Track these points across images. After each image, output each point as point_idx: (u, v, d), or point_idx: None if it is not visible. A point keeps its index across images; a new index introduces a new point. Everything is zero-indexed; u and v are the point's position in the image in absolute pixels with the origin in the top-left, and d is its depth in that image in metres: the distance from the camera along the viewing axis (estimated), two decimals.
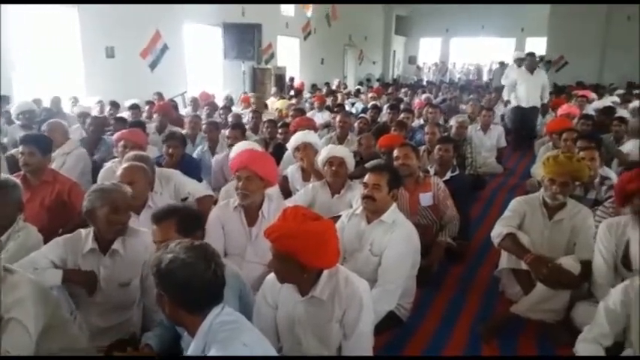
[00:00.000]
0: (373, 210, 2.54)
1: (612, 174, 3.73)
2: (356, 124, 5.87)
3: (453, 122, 5.42)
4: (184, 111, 7.53)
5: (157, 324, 2.01)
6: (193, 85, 9.55)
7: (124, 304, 2.23)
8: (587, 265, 2.50)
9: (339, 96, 9.86)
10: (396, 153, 3.45)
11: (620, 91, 12.09)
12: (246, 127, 6.13)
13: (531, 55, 7.82)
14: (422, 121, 6.62)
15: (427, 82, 17.57)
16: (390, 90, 12.00)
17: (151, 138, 4.86)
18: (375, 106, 7.30)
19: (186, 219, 1.93)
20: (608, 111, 6.73)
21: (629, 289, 1.92)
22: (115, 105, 6.73)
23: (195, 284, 1.40)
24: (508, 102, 7.93)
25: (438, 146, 4.07)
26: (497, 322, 2.64)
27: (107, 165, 3.73)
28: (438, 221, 3.37)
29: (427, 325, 2.68)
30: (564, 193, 2.71)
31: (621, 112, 7.97)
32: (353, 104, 9.48)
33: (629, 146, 5.01)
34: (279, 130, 4.89)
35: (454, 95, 10.55)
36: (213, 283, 1.43)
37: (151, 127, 5.40)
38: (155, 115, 5.80)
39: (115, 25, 8.00)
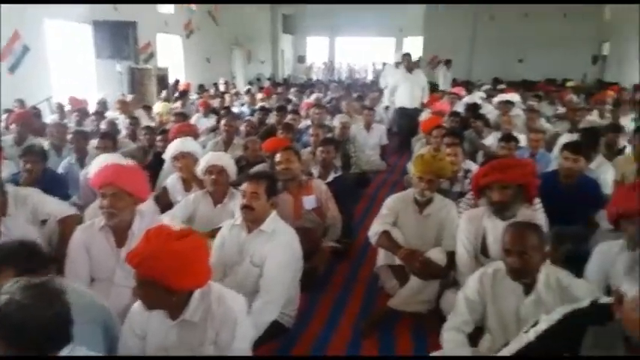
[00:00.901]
0: (252, 219, 2.50)
1: (474, 167, 4.11)
2: (242, 127, 5.79)
3: (336, 122, 5.58)
4: (50, 118, 6.82)
5: None
6: (61, 88, 8.67)
7: None
8: (452, 256, 2.71)
9: (227, 97, 9.64)
10: (277, 157, 3.46)
11: (487, 87, 13.44)
12: (123, 133, 5.75)
13: (407, 55, 7.89)
14: (309, 122, 6.74)
15: (316, 81, 17.94)
16: (280, 90, 12.04)
17: (8, 152, 4.31)
18: (262, 108, 7.26)
19: (26, 261, 1.66)
20: (474, 107, 7.40)
21: (484, 277, 2.11)
22: None
23: (33, 327, 1.25)
24: (387, 107, 8.14)
25: (320, 148, 4.16)
26: (376, 317, 2.76)
27: None
28: (322, 223, 3.44)
29: (311, 328, 2.73)
30: (431, 189, 2.91)
31: (487, 107, 8.86)
32: (243, 105, 9.35)
33: (490, 139, 5.56)
34: (158, 138, 4.63)
35: (339, 95, 10.87)
36: (55, 323, 1.29)
37: (8, 139, 4.79)
38: (13, 126, 5.16)
39: None
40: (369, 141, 6.57)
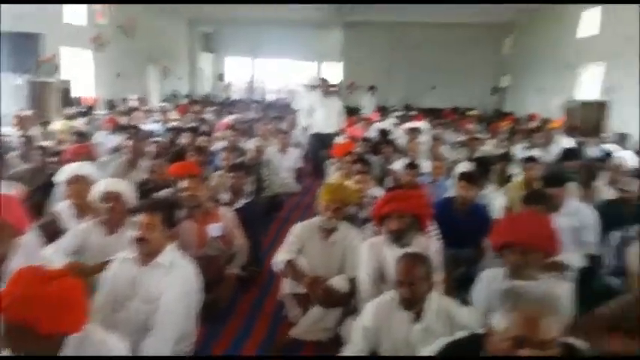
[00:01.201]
0: (147, 252, 2.37)
1: (381, 193, 4.26)
2: (152, 148, 5.55)
3: (250, 146, 5.54)
4: None
5: None
6: None
7: None
8: (354, 283, 2.77)
9: (138, 114, 9.23)
10: (183, 184, 3.35)
11: (400, 113, 14.14)
12: (15, 153, 5.26)
13: (324, 80, 7.88)
14: (224, 144, 6.62)
15: (236, 100, 17.78)
16: (197, 108, 11.75)
17: None
18: (174, 128, 7.03)
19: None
20: (384, 133, 7.74)
21: (380, 305, 2.16)
22: None
23: None
24: (305, 129, 8.07)
25: (230, 174, 4.09)
26: (279, 347, 2.73)
27: None
28: (227, 251, 3.36)
29: None
30: (337, 217, 2.97)
31: (398, 132, 9.28)
32: (158, 122, 8.99)
33: (397, 165, 5.81)
34: (52, 159, 4.27)
35: (258, 116, 10.84)
36: None
37: None
38: None
39: None
40: (284, 163, 6.59)
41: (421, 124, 10.01)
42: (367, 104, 13.99)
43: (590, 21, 11.72)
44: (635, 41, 8.91)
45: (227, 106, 14.22)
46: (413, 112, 14.13)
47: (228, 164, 4.66)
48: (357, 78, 15.80)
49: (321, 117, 7.47)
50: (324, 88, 7.67)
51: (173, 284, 2.31)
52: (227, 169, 4.33)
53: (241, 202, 3.95)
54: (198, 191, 3.32)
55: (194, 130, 6.64)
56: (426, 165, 5.31)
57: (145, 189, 4.02)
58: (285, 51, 19.72)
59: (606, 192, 4.51)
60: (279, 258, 2.85)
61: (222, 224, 3.35)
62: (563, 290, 2.87)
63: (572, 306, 2.82)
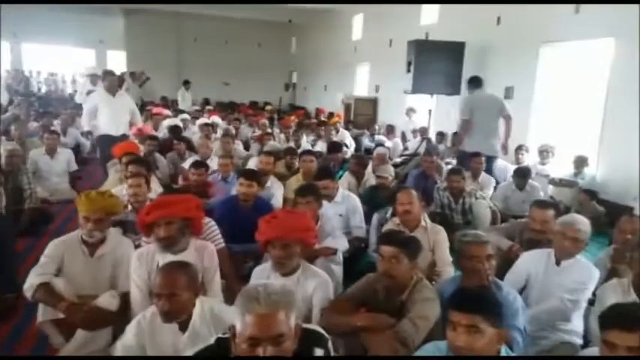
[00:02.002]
0: None
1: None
2: None
3: (1, 151, 4.68)
4: None
5: None
6: None
7: None
8: (126, 297, 2.57)
9: None
10: None
11: (195, 108, 13.79)
12: None
13: (110, 74, 6.49)
14: None
15: None
16: None
17: None
18: None
19: None
20: (175, 130, 7.44)
21: (141, 321, 2.04)
22: None
23: None
24: (90, 133, 6.71)
25: None
26: None
27: None
28: None
29: None
30: (101, 229, 2.70)
31: (193, 128, 9.05)
32: None
33: (187, 163, 5.64)
34: None
35: (17, 114, 9.19)
36: None
37: None
38: None
39: None
40: (55, 167, 5.80)
41: (215, 119, 9.99)
42: (180, 99, 13.39)
43: (357, 25, 13.34)
44: (394, 44, 10.46)
45: None
46: (209, 107, 14.01)
47: None
48: (144, 68, 14.67)
49: (108, 118, 6.12)
50: (110, 84, 6.24)
51: None
52: None
53: None
54: None
55: None
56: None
57: None
58: (60, 36, 17.31)
59: (372, 179, 5.17)
60: (28, 283, 2.46)
61: None
62: (335, 270, 3.24)
63: (341, 285, 3.20)
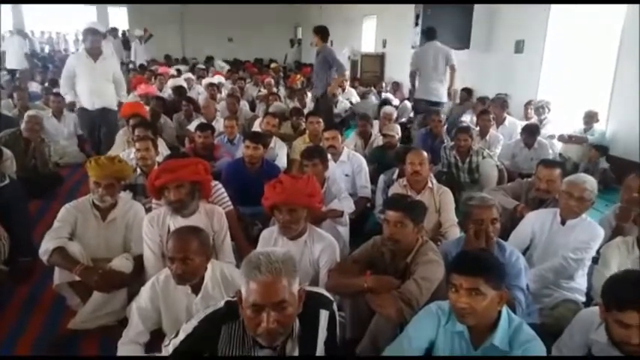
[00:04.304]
0: None
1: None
2: None
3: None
4: None
5: None
6: None
7: None
8: (140, 259, 2.64)
9: None
10: None
11: (201, 67, 13.59)
12: None
13: (92, 32, 5.18)
14: None
15: None
16: None
17: None
18: None
19: None
20: (179, 90, 7.38)
21: (155, 284, 2.11)
22: None
23: None
24: (73, 105, 5.58)
25: None
26: (58, 340, 2.50)
27: None
28: None
29: None
30: (112, 194, 2.74)
31: (197, 87, 8.97)
32: None
33: (192, 125, 5.62)
34: None
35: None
36: None
37: None
38: None
39: None
40: (63, 130, 5.82)
41: (220, 78, 9.88)
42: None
43: None
44: None
45: None
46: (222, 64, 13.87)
47: None
48: (146, 25, 14.34)
49: (88, 86, 5.21)
50: (91, 42, 5.16)
51: None
52: None
53: None
54: None
55: None
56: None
57: None
58: None
59: (379, 139, 5.14)
60: (43, 248, 2.53)
61: None
62: (341, 232, 3.29)
63: (348, 246, 3.25)
